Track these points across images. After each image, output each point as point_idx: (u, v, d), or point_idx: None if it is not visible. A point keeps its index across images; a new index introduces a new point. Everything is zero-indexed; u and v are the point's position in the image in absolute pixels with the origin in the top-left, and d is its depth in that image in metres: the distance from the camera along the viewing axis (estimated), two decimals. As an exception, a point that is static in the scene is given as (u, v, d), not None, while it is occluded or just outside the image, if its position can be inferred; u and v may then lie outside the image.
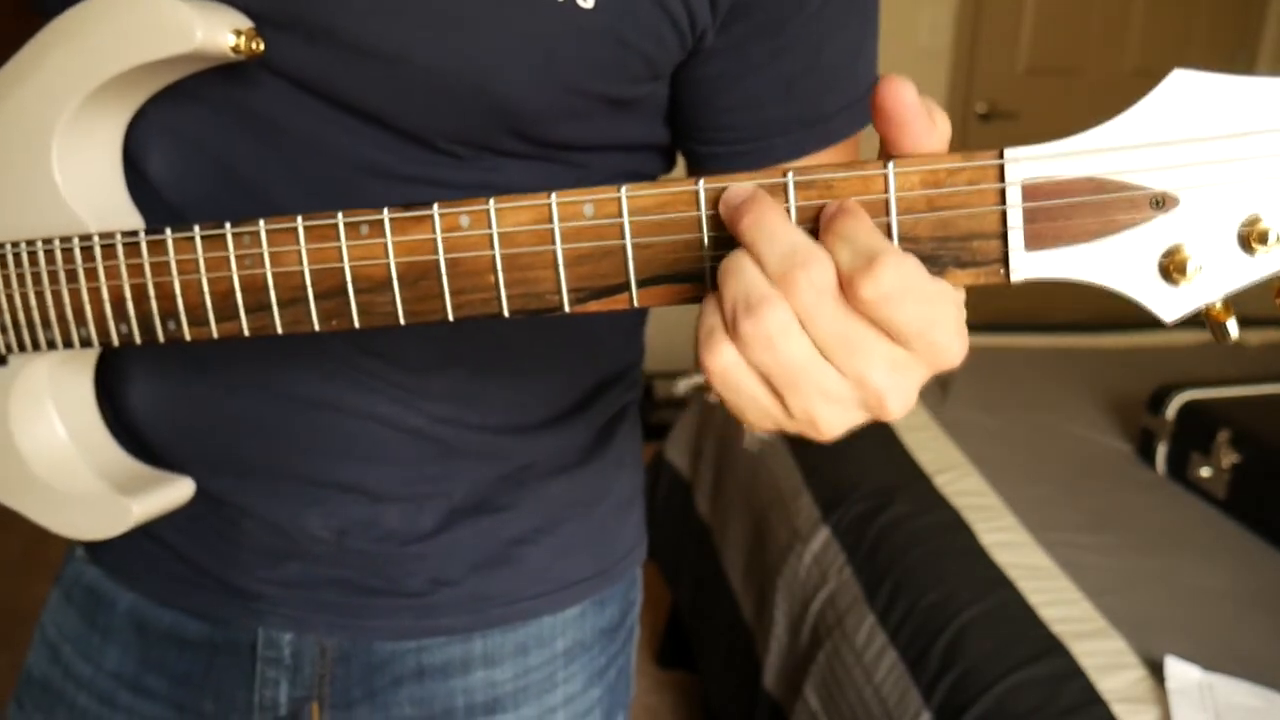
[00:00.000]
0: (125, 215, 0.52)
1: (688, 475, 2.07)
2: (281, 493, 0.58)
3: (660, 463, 2.15)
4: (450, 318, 0.41)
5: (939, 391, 1.90)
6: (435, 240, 0.40)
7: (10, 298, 0.52)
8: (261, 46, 0.47)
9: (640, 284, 0.39)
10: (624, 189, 0.38)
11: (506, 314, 0.40)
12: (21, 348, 0.53)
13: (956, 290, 0.36)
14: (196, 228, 0.45)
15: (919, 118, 0.35)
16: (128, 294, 0.47)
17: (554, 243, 0.39)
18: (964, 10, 3.11)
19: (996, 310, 2.31)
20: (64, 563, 0.68)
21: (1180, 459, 1.63)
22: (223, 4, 0.46)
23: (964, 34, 3.13)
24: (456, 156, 0.51)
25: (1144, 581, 1.32)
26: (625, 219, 0.38)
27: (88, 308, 0.49)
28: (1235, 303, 0.35)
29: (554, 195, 0.39)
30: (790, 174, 0.36)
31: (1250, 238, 0.33)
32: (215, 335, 0.46)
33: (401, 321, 0.42)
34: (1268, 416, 1.58)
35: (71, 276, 0.49)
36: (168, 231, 0.45)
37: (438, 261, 0.40)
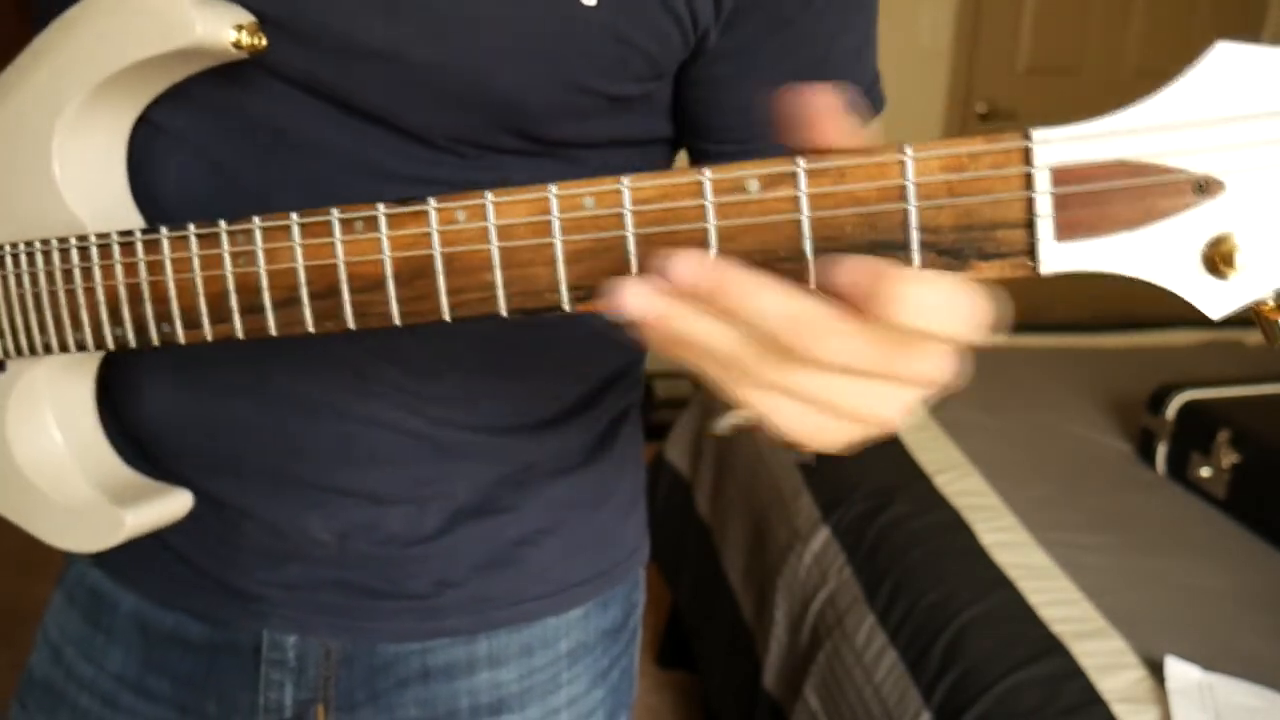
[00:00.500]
0: (127, 218, 0.51)
1: (688, 475, 2.07)
2: (282, 495, 0.58)
3: (660, 463, 2.15)
4: (447, 317, 0.40)
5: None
6: (431, 235, 0.39)
7: (8, 300, 0.51)
8: (264, 41, 0.46)
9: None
10: (625, 179, 0.36)
11: (505, 313, 0.39)
12: (19, 352, 0.52)
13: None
14: (191, 226, 0.44)
15: (826, 114, 0.33)
16: (122, 296, 0.47)
17: (553, 236, 0.37)
18: (964, 10, 3.11)
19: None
20: (66, 564, 0.68)
21: (1180, 459, 1.63)
22: (225, 0, 0.46)
23: (964, 34, 3.13)
24: (458, 155, 0.51)
25: (1144, 581, 1.32)
26: (627, 210, 0.36)
27: (83, 310, 0.48)
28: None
29: (553, 187, 0.37)
30: (800, 161, 0.34)
31: None
32: (210, 337, 0.45)
33: (397, 322, 0.41)
34: (1268, 416, 1.58)
35: (67, 278, 0.48)
36: (163, 231, 0.45)
37: (434, 258, 0.39)
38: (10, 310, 0.51)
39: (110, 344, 0.48)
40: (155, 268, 0.45)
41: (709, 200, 0.35)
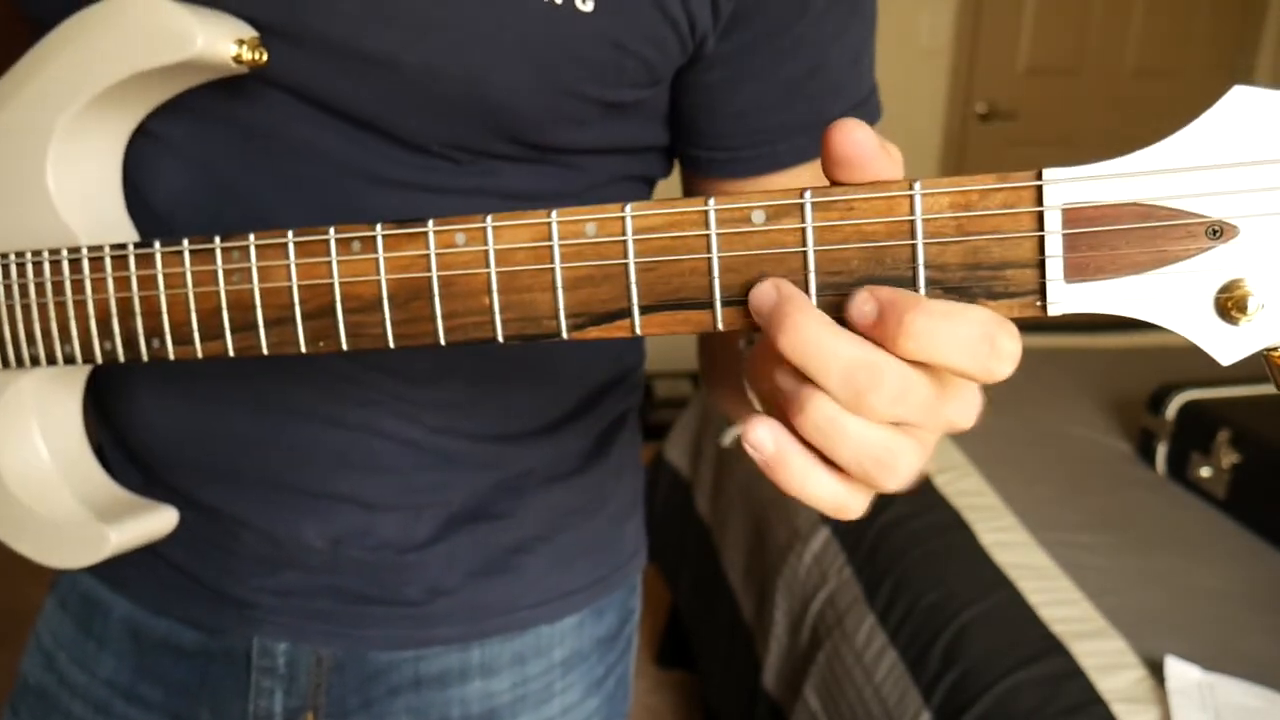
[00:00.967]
0: (121, 231, 0.51)
1: (688, 475, 2.07)
2: (276, 503, 0.58)
3: (660, 463, 2.15)
4: (442, 341, 0.39)
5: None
6: (429, 258, 0.38)
7: None
8: (264, 57, 0.46)
9: (644, 310, 0.36)
10: (629, 207, 0.35)
11: (501, 339, 0.38)
12: (6, 363, 0.51)
13: None
14: (185, 242, 0.43)
15: (876, 156, 0.32)
16: (113, 310, 0.46)
17: (553, 262, 0.37)
18: (964, 10, 3.11)
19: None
20: (58, 570, 0.68)
21: (1180, 459, 1.63)
22: (224, 13, 0.46)
23: (964, 34, 3.13)
24: (453, 161, 0.51)
25: (1144, 581, 1.32)
26: (629, 238, 0.36)
27: (73, 323, 0.47)
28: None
29: (554, 213, 0.36)
30: (808, 194, 0.33)
31: None
32: (200, 355, 0.44)
33: (391, 345, 0.40)
34: (1268, 416, 1.57)
35: (58, 290, 0.48)
36: (156, 245, 0.44)
37: (431, 281, 0.39)
38: None
39: (99, 358, 0.47)
40: (147, 282, 0.45)
41: (714, 231, 0.35)
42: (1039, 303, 0.32)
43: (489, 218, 0.37)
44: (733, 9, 0.49)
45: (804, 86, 0.53)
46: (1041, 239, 0.32)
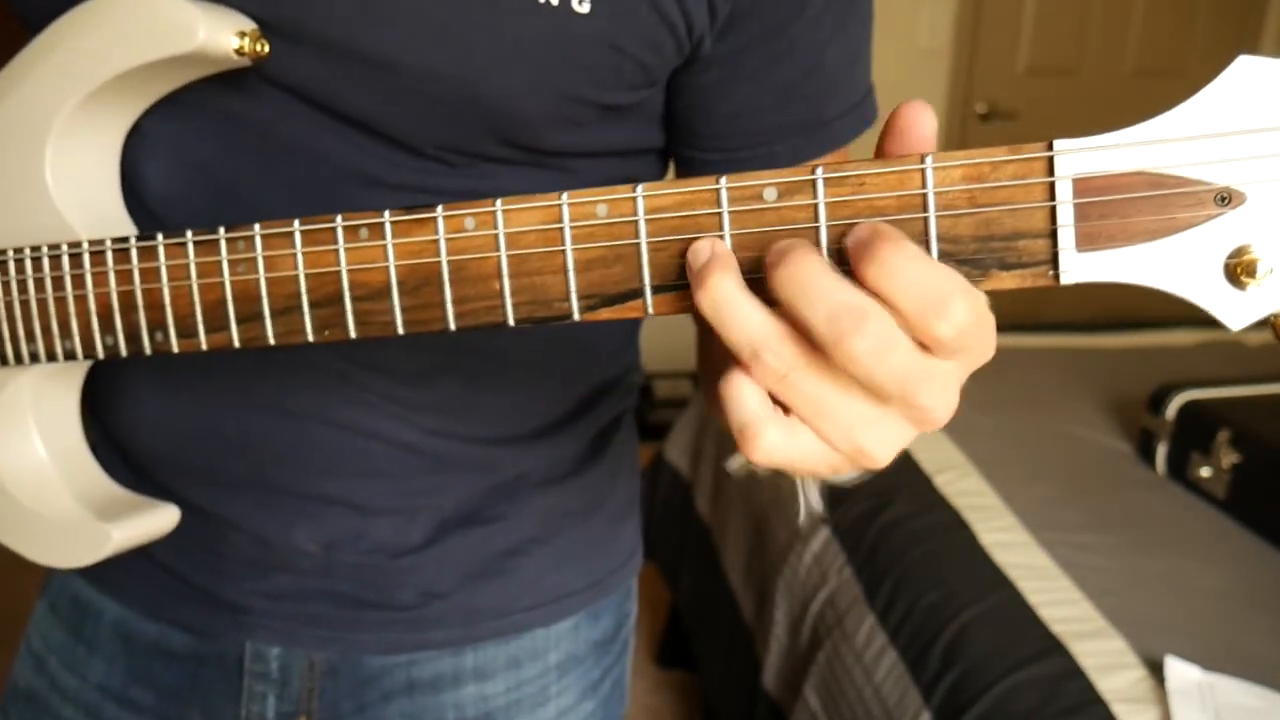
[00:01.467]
0: (119, 226, 0.50)
1: (688, 475, 2.07)
2: (269, 506, 0.57)
3: (660, 463, 2.15)
4: (452, 327, 0.39)
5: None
6: (438, 243, 0.38)
7: None
8: (266, 49, 0.46)
9: (655, 290, 0.36)
10: (640, 188, 0.35)
11: (512, 322, 0.38)
12: (4, 361, 0.51)
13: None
14: (189, 233, 0.43)
15: (929, 144, 0.33)
16: (115, 304, 0.46)
17: (564, 244, 0.37)
18: (964, 10, 3.11)
19: (996, 310, 2.30)
20: (48, 573, 0.67)
21: (1180, 459, 1.63)
22: (225, 7, 0.46)
23: (964, 34, 3.13)
24: (447, 164, 0.51)
25: (1144, 581, 1.32)
26: (640, 219, 0.36)
27: (73, 319, 0.47)
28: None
29: (565, 195, 0.36)
30: (819, 170, 0.33)
31: None
32: (204, 347, 0.44)
33: (400, 331, 0.40)
34: (1268, 416, 1.57)
35: (58, 285, 0.47)
36: (159, 237, 0.44)
37: (440, 266, 0.38)
38: None
39: (100, 353, 0.47)
40: (150, 275, 0.45)
41: (725, 208, 0.35)
42: (1051, 272, 0.32)
43: (499, 201, 0.37)
44: (729, 10, 0.49)
45: (801, 87, 0.53)
46: (1053, 209, 0.32)
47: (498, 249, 0.38)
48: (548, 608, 0.64)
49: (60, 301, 0.47)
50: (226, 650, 0.61)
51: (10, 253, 0.49)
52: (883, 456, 0.34)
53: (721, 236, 0.35)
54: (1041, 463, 1.67)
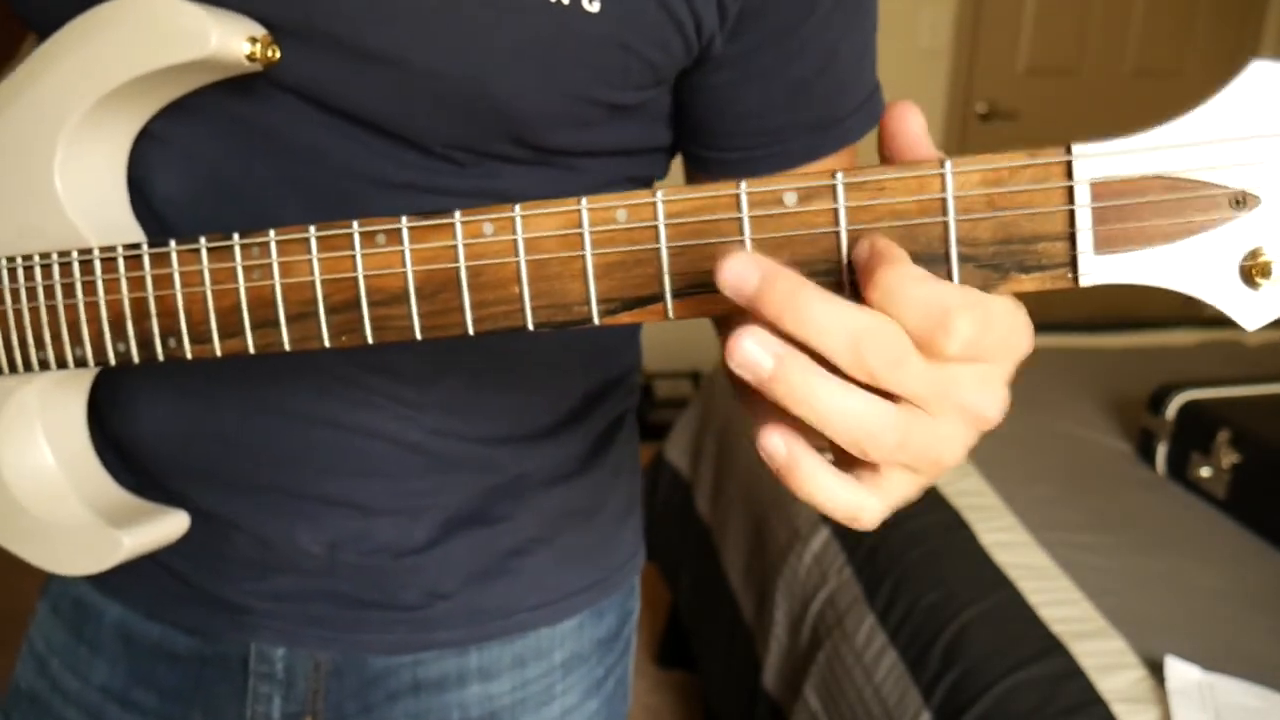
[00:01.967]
0: (127, 231, 0.50)
1: (688, 475, 2.07)
2: (272, 507, 0.57)
3: (660, 463, 2.15)
4: (470, 331, 0.39)
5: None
6: (456, 249, 0.38)
7: (3, 315, 0.49)
8: (277, 55, 0.45)
9: (676, 294, 0.36)
10: (660, 193, 0.36)
11: (532, 326, 0.38)
12: (13, 368, 0.50)
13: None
14: (203, 239, 0.43)
15: (920, 144, 0.34)
16: (127, 310, 0.45)
17: (583, 249, 0.37)
18: (964, 10, 3.11)
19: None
20: (50, 575, 0.68)
21: (1180, 459, 1.63)
22: (235, 12, 0.45)
23: (964, 34, 3.13)
24: (455, 163, 0.51)
25: (1144, 581, 1.32)
26: (661, 223, 0.36)
27: (84, 325, 0.47)
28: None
29: (584, 200, 0.36)
30: (839, 174, 0.34)
31: None
32: (219, 353, 0.44)
33: (418, 336, 0.40)
34: (1268, 416, 1.57)
35: (69, 292, 0.47)
36: (171, 244, 0.44)
37: (458, 271, 0.38)
38: (6, 325, 0.50)
39: (112, 359, 0.47)
40: (163, 281, 0.44)
41: (745, 213, 0.35)
42: (1070, 275, 0.33)
43: (517, 207, 0.37)
44: (739, 9, 0.49)
45: (813, 86, 0.53)
46: (1071, 212, 0.32)
47: (516, 254, 0.38)
48: (552, 607, 0.64)
49: (71, 309, 0.47)
50: (230, 651, 0.61)
51: (19, 260, 0.49)
52: (951, 459, 0.34)
53: (741, 242, 0.35)
54: (1041, 463, 1.67)
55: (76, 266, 0.47)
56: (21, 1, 0.50)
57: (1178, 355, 2.18)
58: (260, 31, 0.45)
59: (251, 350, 0.43)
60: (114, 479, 0.56)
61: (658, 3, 0.47)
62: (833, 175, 0.34)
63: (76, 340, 0.47)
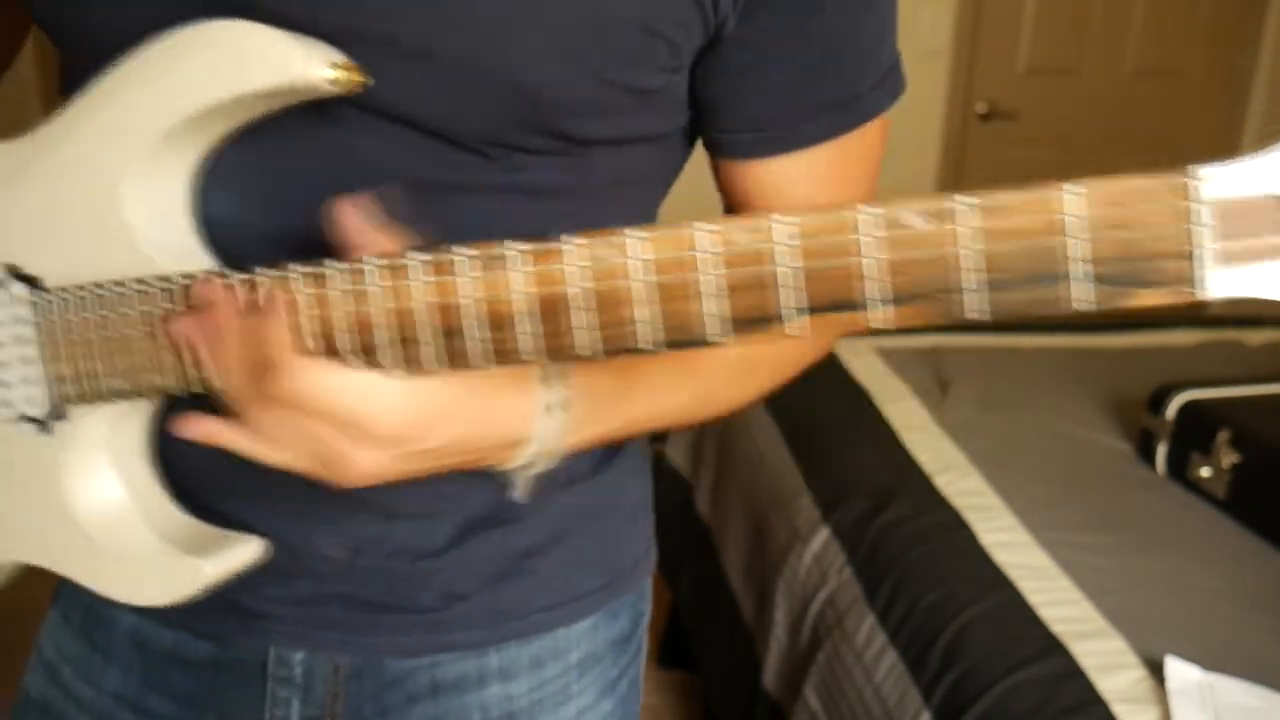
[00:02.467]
0: (193, 253, 0.49)
1: (688, 475, 2.07)
2: (290, 513, 0.57)
3: (660, 463, 2.15)
4: (589, 354, 0.40)
5: (938, 392, 1.90)
6: (570, 272, 0.40)
7: (76, 345, 0.48)
8: (360, 78, 0.45)
9: (797, 313, 0.38)
10: (773, 217, 0.37)
11: (651, 347, 0.40)
12: (85, 399, 0.49)
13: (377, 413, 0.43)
14: (293, 266, 0.43)
15: (363, 233, 0.41)
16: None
17: (699, 271, 0.38)
18: (964, 10, 3.11)
19: (996, 310, 2.30)
20: (60, 580, 0.67)
21: (1180, 459, 1.63)
22: (312, 38, 0.44)
23: (964, 34, 3.13)
24: (485, 157, 0.51)
25: (1144, 581, 1.32)
26: (775, 245, 0.37)
27: (165, 354, 0.46)
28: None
29: (695, 224, 0.38)
30: (959, 198, 0.36)
31: None
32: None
33: (533, 358, 0.41)
34: (1268, 416, 1.57)
35: (147, 321, 0.46)
36: (290, 268, 0.43)
37: (570, 294, 0.40)
38: (76, 355, 0.48)
39: (197, 386, 0.46)
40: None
41: (866, 235, 0.36)
42: (1190, 290, 0.34)
43: (628, 231, 0.39)
44: None
45: (833, 65, 0.53)
46: (1192, 231, 0.34)
47: (629, 277, 0.39)
48: (568, 607, 0.64)
49: (150, 338, 0.46)
50: (246, 656, 0.61)
51: (89, 289, 0.47)
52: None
53: (862, 261, 0.37)
54: (1041, 463, 1.67)
55: (158, 295, 0.46)
56: (52, 18, 0.50)
57: (1178, 355, 2.18)
58: (340, 57, 0.44)
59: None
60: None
61: None
62: (952, 197, 0.36)
63: (158, 369, 0.47)
